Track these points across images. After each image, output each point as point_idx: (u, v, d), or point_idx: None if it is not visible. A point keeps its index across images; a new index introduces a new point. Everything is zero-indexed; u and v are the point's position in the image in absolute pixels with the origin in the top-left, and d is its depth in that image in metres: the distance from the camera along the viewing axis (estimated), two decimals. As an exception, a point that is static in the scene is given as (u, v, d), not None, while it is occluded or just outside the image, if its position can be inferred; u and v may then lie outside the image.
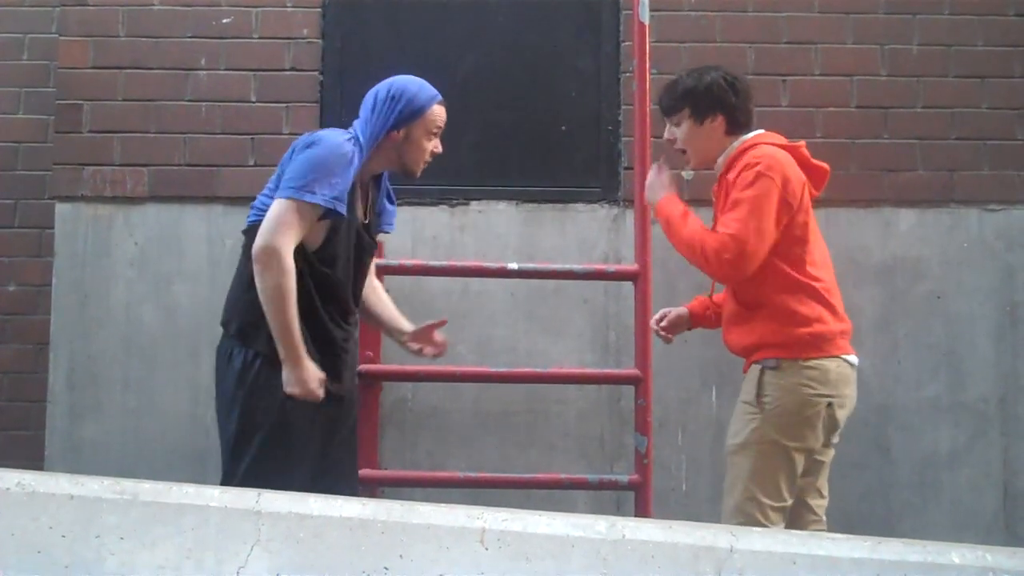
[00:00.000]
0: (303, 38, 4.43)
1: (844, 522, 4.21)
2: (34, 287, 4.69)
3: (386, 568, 2.34)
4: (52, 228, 4.38)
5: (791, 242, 3.31)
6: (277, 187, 3.13)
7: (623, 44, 4.44)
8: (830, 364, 3.29)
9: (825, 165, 3.46)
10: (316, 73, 4.43)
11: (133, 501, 2.40)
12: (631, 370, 4.06)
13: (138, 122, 4.38)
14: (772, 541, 2.40)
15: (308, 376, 3.10)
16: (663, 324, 3.68)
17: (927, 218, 4.42)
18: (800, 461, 3.30)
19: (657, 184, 3.53)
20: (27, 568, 2.33)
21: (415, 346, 3.53)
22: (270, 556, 2.34)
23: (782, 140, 3.44)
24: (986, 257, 4.41)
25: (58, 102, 4.42)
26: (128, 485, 2.44)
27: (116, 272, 4.32)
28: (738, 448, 3.32)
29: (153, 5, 4.42)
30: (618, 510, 4.21)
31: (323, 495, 2.54)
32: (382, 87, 3.28)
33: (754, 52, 4.46)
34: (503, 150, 4.49)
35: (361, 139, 3.19)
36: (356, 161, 3.14)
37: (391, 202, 3.52)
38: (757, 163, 3.25)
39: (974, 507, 4.31)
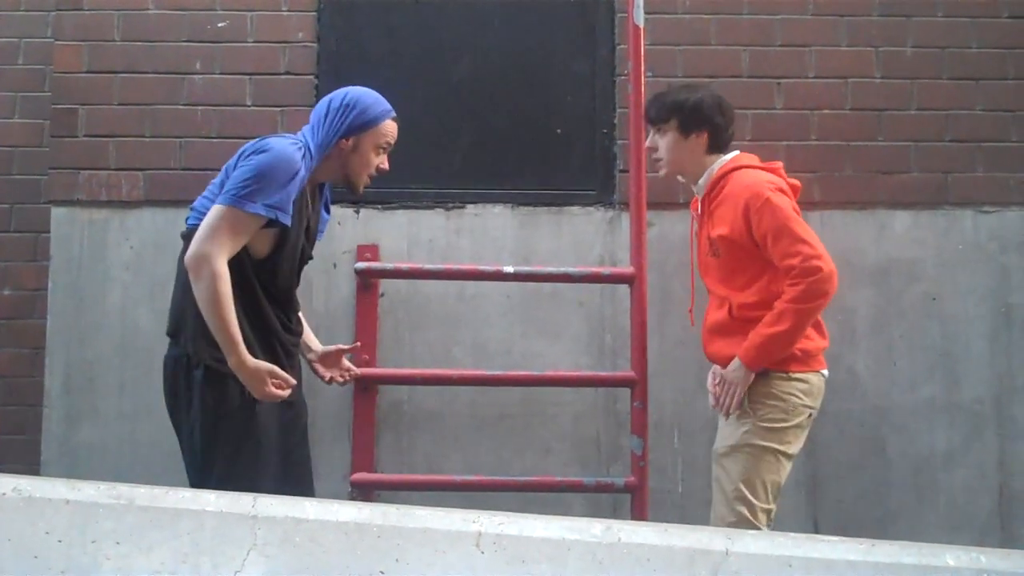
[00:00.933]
0: (298, 42, 4.43)
1: (839, 523, 4.24)
2: (30, 291, 4.70)
3: (382, 572, 2.34)
4: (48, 232, 4.38)
5: None
6: (220, 192, 3.09)
7: (618, 47, 4.45)
8: (813, 378, 3.44)
9: (797, 182, 3.60)
10: (311, 77, 4.43)
11: (129, 506, 2.40)
12: (627, 372, 4.06)
13: (133, 126, 4.38)
14: (768, 544, 2.40)
15: (259, 376, 3.04)
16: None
17: (922, 220, 4.43)
18: (788, 467, 3.41)
19: (726, 386, 3.43)
20: (23, 573, 2.33)
21: (324, 372, 3.53)
22: (266, 560, 2.34)
23: (758, 161, 3.58)
24: (981, 259, 4.42)
25: (53, 106, 4.42)
26: (124, 490, 2.44)
27: (112, 276, 4.31)
28: (729, 451, 3.38)
29: (148, 9, 4.42)
30: (614, 513, 4.21)
31: (319, 499, 2.55)
32: (336, 95, 3.26)
33: (748, 55, 4.46)
34: (498, 153, 4.49)
35: (311, 145, 3.17)
36: (304, 171, 3.10)
37: (327, 211, 3.49)
38: (753, 194, 3.36)
39: (969, 508, 4.32)
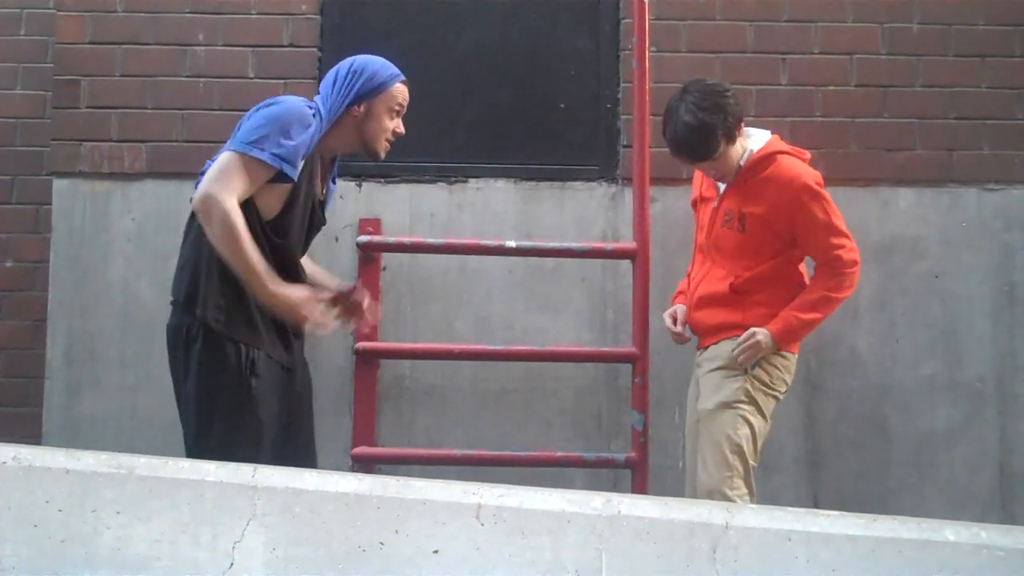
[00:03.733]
0: (301, 14, 4.41)
1: (839, 500, 4.24)
2: (31, 263, 4.69)
3: (381, 543, 2.35)
4: (50, 204, 4.37)
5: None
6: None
7: (623, 21, 4.42)
8: (792, 359, 3.57)
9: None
10: (315, 49, 4.42)
11: (129, 475, 2.41)
12: (629, 348, 4.06)
13: (136, 98, 4.36)
14: (767, 518, 2.41)
15: (299, 303, 3.02)
16: (679, 328, 3.76)
17: (926, 197, 4.41)
18: (765, 430, 3.53)
19: (754, 349, 3.47)
20: (23, 542, 2.34)
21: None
22: (266, 531, 2.35)
23: (788, 147, 3.63)
24: (984, 237, 4.40)
25: (56, 78, 4.41)
26: (124, 460, 2.45)
27: (114, 248, 4.31)
28: (720, 407, 3.48)
29: (151, -20, 4.41)
30: (615, 488, 4.20)
31: (320, 470, 2.55)
32: (344, 64, 3.26)
33: (754, 30, 4.44)
34: (501, 128, 4.48)
35: (322, 111, 3.16)
36: (314, 128, 3.09)
37: (333, 182, 3.48)
38: (805, 185, 3.48)
39: (970, 486, 4.32)
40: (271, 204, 3.09)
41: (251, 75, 4.38)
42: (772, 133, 3.66)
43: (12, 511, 2.36)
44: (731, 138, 3.47)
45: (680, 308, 3.76)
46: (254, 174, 3.01)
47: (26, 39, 4.83)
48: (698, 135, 3.43)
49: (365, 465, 4.02)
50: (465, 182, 4.39)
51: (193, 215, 3.12)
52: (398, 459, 4.15)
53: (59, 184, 4.34)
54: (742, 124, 3.53)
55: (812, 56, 4.44)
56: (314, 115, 3.11)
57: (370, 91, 3.21)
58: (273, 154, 2.99)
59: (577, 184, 4.40)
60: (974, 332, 4.37)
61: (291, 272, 3.21)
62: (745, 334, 3.47)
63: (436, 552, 2.34)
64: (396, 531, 2.36)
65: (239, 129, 3.11)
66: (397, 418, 4.30)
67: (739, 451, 3.41)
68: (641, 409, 3.96)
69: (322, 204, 3.35)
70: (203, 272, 3.06)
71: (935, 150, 4.42)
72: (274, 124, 3.02)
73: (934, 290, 4.38)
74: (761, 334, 3.44)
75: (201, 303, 3.06)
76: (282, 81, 4.37)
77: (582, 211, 4.38)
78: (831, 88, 4.43)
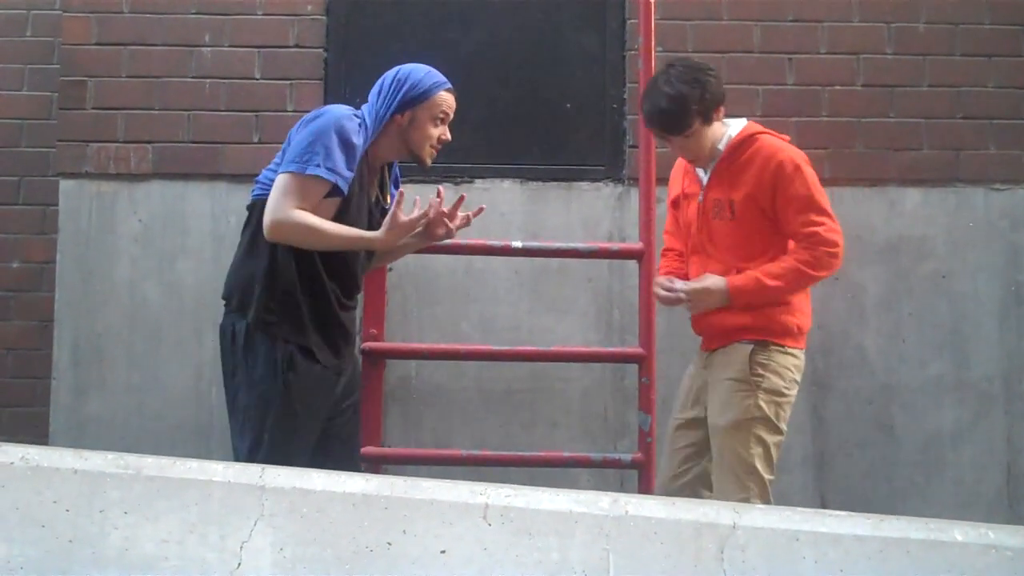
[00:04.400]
0: (307, 15, 4.41)
1: (847, 500, 4.24)
2: (38, 264, 4.70)
3: (389, 543, 2.34)
4: (56, 205, 4.38)
5: None
6: (282, 162, 3.12)
7: (629, 21, 4.42)
8: (801, 356, 3.46)
9: None
10: (320, 50, 4.42)
11: (137, 476, 2.41)
12: (635, 348, 4.06)
13: (142, 99, 4.37)
14: (775, 518, 2.40)
15: (395, 237, 3.15)
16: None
17: (932, 197, 4.41)
18: (780, 442, 3.41)
19: (702, 295, 3.38)
20: (31, 542, 2.34)
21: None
22: (273, 531, 2.35)
23: (767, 130, 3.52)
24: (991, 236, 4.40)
25: (62, 79, 4.41)
26: (132, 460, 2.44)
27: (120, 249, 4.32)
28: (734, 424, 3.37)
29: (157, -19, 4.41)
30: (621, 488, 4.21)
31: (326, 471, 2.55)
32: (390, 72, 3.28)
33: (760, 30, 4.43)
34: (508, 128, 4.48)
35: (367, 120, 3.19)
36: (359, 138, 3.13)
37: (395, 187, 3.49)
38: (788, 158, 3.35)
39: (977, 486, 4.31)
40: (323, 215, 3.10)
41: (257, 76, 4.38)
42: (748, 119, 3.56)
43: (20, 511, 2.36)
44: (707, 118, 3.37)
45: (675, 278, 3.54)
46: (312, 190, 3.06)
47: (32, 40, 4.85)
48: (673, 106, 3.35)
49: (372, 465, 4.02)
50: (471, 182, 4.39)
51: (248, 218, 3.20)
52: (405, 459, 4.15)
53: (65, 185, 4.34)
54: (721, 109, 3.42)
55: (818, 56, 4.44)
56: (359, 124, 3.14)
57: (413, 99, 3.22)
58: (327, 168, 3.04)
59: (583, 184, 4.40)
60: (981, 332, 4.37)
61: (347, 284, 3.26)
62: (696, 279, 3.38)
63: (443, 552, 2.33)
64: (403, 531, 2.35)
65: (288, 144, 3.15)
66: (404, 418, 4.30)
67: (753, 471, 3.33)
68: (647, 409, 3.96)
69: (383, 212, 3.34)
70: (254, 276, 3.12)
71: (942, 150, 4.42)
72: (323, 138, 3.05)
73: (941, 290, 4.37)
74: (714, 283, 3.33)
75: (243, 304, 3.12)
76: (288, 82, 4.37)
77: (588, 211, 4.38)
78: (837, 88, 4.43)
